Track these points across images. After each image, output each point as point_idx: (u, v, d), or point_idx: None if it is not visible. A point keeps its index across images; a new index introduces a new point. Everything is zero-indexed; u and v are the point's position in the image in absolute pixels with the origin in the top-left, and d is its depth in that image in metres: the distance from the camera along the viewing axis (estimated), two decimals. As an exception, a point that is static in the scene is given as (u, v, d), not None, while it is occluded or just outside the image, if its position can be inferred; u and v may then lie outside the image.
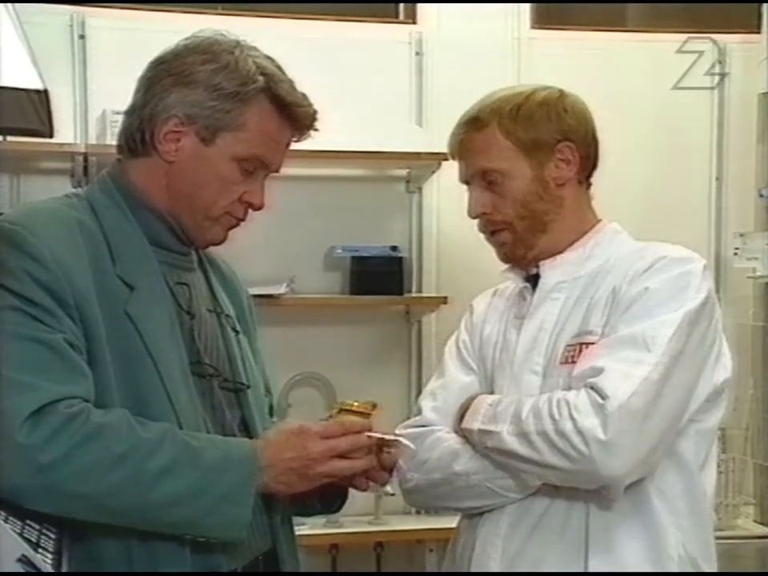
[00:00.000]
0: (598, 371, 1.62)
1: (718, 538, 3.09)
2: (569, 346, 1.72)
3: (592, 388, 1.60)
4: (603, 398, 1.58)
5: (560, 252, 1.80)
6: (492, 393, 1.80)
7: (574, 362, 1.69)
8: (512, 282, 1.90)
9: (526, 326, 1.79)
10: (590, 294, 1.75)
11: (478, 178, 1.80)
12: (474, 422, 1.72)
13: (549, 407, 1.62)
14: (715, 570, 1.77)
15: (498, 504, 1.73)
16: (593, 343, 1.68)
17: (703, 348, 1.68)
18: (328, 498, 1.64)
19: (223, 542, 1.46)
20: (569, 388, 1.67)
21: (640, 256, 1.74)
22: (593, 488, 1.64)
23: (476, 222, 1.85)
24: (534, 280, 1.83)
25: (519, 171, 1.78)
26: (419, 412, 1.85)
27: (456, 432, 1.78)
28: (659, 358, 1.60)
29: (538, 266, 1.82)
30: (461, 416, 1.76)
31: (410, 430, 1.79)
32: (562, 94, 1.83)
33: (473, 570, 1.76)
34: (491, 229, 1.82)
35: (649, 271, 1.69)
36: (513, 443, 1.64)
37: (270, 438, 1.51)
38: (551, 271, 1.80)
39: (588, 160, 1.85)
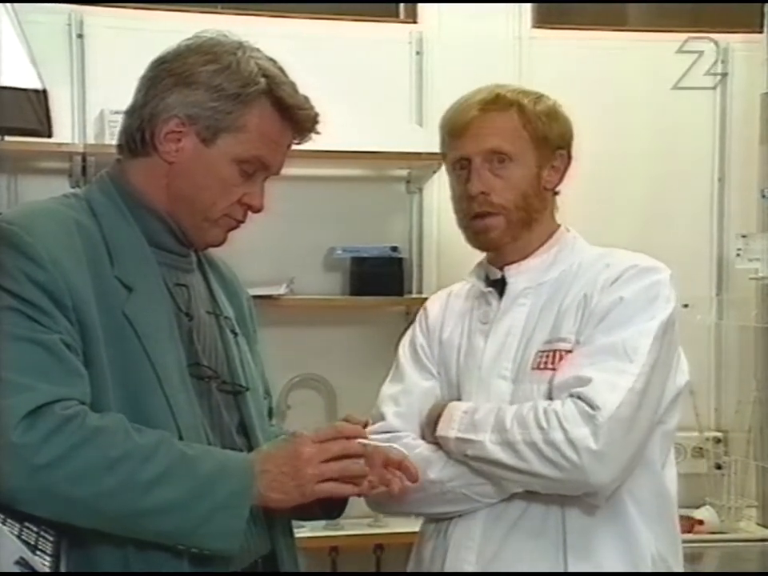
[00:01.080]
0: (585, 381, 1.65)
1: (720, 540, 3.09)
2: (541, 351, 1.75)
3: (579, 398, 1.64)
4: (593, 408, 1.62)
5: (524, 258, 1.83)
6: (458, 398, 1.81)
7: (547, 368, 1.73)
8: (467, 283, 1.92)
9: (493, 332, 1.81)
10: (558, 301, 1.78)
11: (483, 156, 1.80)
12: (449, 430, 1.72)
13: (535, 417, 1.64)
14: (681, 565, 1.82)
15: (471, 509, 1.75)
16: (567, 350, 1.72)
17: (671, 355, 1.74)
18: (328, 503, 1.62)
19: (217, 554, 1.44)
20: (546, 393, 1.70)
21: (605, 264, 1.78)
22: (577, 494, 1.67)
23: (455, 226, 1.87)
24: (497, 285, 1.85)
25: (526, 161, 1.81)
26: (382, 418, 1.85)
27: (423, 438, 1.80)
28: (641, 368, 1.66)
29: (502, 270, 1.84)
30: (434, 423, 1.76)
31: (374, 437, 1.78)
32: (560, 105, 1.87)
33: None
34: (486, 210, 1.81)
35: (620, 281, 1.73)
36: (497, 452, 1.66)
37: (265, 449, 1.51)
38: (517, 277, 1.83)
39: (566, 172, 1.88)
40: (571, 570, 1.69)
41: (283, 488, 1.46)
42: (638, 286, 1.72)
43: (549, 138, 1.82)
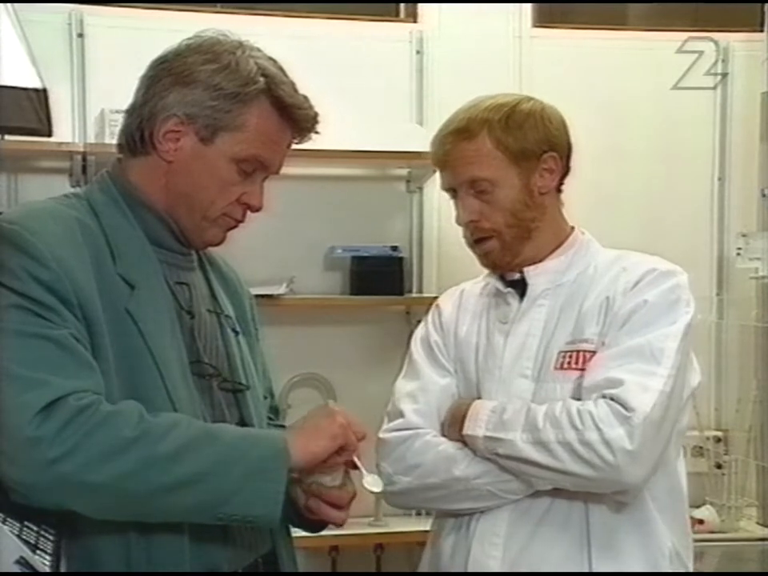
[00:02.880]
0: (617, 383, 1.67)
1: (721, 540, 3.09)
2: (563, 352, 1.78)
3: (612, 399, 1.66)
4: (628, 409, 1.65)
5: (541, 259, 1.86)
6: (478, 396, 1.83)
7: (571, 368, 1.76)
8: (481, 281, 1.95)
9: (513, 332, 1.84)
10: (578, 302, 1.81)
11: (466, 186, 1.84)
12: (477, 429, 1.75)
13: (569, 417, 1.67)
14: (692, 560, 1.85)
15: (496, 505, 1.77)
16: (590, 351, 1.75)
17: (690, 356, 1.78)
18: (308, 520, 1.63)
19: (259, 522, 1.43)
20: (570, 392, 1.74)
21: (622, 267, 1.81)
22: (607, 492, 1.71)
23: (461, 229, 1.89)
24: (516, 285, 1.87)
25: (508, 180, 1.82)
26: (400, 415, 1.86)
27: (443, 435, 1.82)
28: (669, 371, 1.69)
29: (521, 272, 1.86)
30: (459, 422, 1.78)
31: (394, 434, 1.83)
32: (543, 105, 1.88)
33: (470, 569, 1.79)
34: (479, 236, 1.85)
35: (641, 284, 1.77)
36: (529, 451, 1.69)
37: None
38: (537, 278, 1.85)
39: (566, 169, 1.89)
40: (594, 564, 1.73)
41: (317, 434, 1.46)
42: (660, 290, 1.76)
43: (527, 148, 1.82)
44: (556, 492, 1.73)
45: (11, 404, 1.32)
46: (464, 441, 1.77)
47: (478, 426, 1.74)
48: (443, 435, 1.82)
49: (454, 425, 1.80)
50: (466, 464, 1.76)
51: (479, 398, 1.82)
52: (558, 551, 1.74)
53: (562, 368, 1.77)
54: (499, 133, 1.81)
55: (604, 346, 1.74)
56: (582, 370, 1.74)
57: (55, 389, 1.34)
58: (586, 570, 1.73)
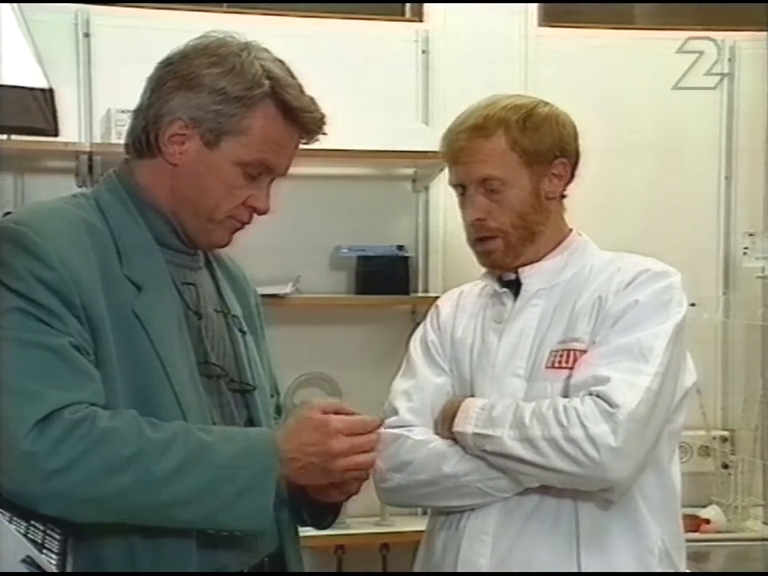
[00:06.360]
0: (603, 380, 1.68)
1: (727, 540, 3.09)
2: (554, 351, 1.79)
3: (598, 396, 1.67)
4: (613, 406, 1.65)
5: (537, 260, 1.87)
6: (471, 395, 1.84)
7: (561, 367, 1.77)
8: (480, 283, 1.96)
9: (507, 331, 1.85)
10: (571, 302, 1.82)
11: (476, 184, 1.85)
12: (466, 426, 1.75)
13: (555, 413, 1.68)
14: (684, 560, 1.85)
15: (485, 503, 1.78)
16: (581, 350, 1.76)
17: (682, 356, 1.78)
18: (319, 514, 1.64)
19: (243, 535, 1.46)
20: (561, 391, 1.75)
21: (617, 268, 1.82)
22: (594, 490, 1.71)
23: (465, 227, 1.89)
24: (511, 285, 1.88)
25: (519, 181, 1.83)
26: (395, 412, 1.87)
27: (437, 433, 1.83)
28: (657, 369, 1.70)
29: (516, 272, 1.87)
30: (450, 419, 1.79)
31: (387, 431, 1.82)
32: (558, 111, 1.89)
33: (460, 567, 1.80)
34: (484, 235, 1.86)
35: (634, 284, 1.78)
36: (516, 448, 1.69)
37: (290, 428, 1.49)
38: (531, 278, 1.86)
39: (573, 175, 1.90)
40: (583, 562, 1.73)
41: (310, 474, 1.48)
42: (652, 290, 1.76)
43: (541, 151, 1.83)
44: (545, 490, 1.74)
45: (6, 416, 1.33)
46: (455, 438, 1.78)
47: (467, 423, 1.75)
48: (436, 433, 1.83)
49: (445, 422, 1.81)
50: (455, 461, 1.77)
51: (472, 396, 1.83)
52: (546, 549, 1.75)
53: (553, 367, 1.78)
54: (516, 133, 1.82)
55: (594, 344, 1.75)
56: (572, 368, 1.75)
57: (50, 402, 1.34)
58: (575, 568, 1.73)
